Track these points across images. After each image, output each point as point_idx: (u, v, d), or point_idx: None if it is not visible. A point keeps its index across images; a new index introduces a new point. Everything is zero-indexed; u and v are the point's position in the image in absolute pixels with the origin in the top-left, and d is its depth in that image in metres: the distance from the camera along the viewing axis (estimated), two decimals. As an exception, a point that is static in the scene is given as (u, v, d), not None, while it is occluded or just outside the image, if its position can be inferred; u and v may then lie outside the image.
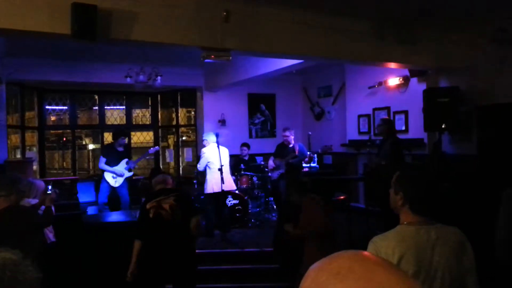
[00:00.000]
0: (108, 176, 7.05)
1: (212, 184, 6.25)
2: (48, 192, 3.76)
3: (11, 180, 3.38)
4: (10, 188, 3.33)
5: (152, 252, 3.70)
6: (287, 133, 7.19)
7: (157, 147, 8.48)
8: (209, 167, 6.35)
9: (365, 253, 0.69)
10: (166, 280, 3.82)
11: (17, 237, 3.08)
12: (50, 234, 4.31)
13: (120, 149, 7.20)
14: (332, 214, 4.01)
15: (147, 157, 7.92)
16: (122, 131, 7.50)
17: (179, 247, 3.68)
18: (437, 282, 1.72)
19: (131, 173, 7.31)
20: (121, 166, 7.11)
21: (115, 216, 6.43)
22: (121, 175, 7.09)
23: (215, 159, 6.29)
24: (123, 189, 7.15)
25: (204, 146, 6.69)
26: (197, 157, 7.68)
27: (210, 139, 6.65)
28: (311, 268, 0.69)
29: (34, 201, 4.00)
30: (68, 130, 9.52)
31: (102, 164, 7.10)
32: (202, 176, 6.74)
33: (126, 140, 7.48)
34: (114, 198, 7.16)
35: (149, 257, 3.71)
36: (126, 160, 7.19)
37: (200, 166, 6.50)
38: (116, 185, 7.07)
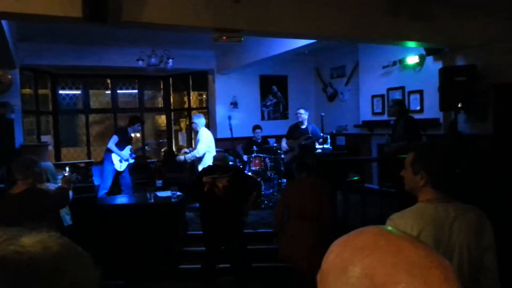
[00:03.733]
0: (115, 159, 7.02)
1: None
2: (65, 174, 3.80)
3: (27, 164, 3.43)
4: (26, 171, 3.38)
5: (205, 221, 4.42)
6: (301, 111, 7.12)
7: (151, 141, 9.01)
8: (208, 151, 6.48)
9: (390, 228, 0.68)
10: (219, 243, 4.46)
11: (36, 219, 3.14)
12: (67, 216, 4.39)
13: (129, 135, 7.23)
14: (319, 195, 3.99)
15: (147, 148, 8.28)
16: (141, 118, 7.53)
17: (228, 219, 4.29)
18: (455, 259, 1.70)
19: (133, 161, 7.34)
20: (126, 152, 7.11)
21: (129, 199, 6.52)
22: (126, 160, 7.11)
23: (212, 143, 6.51)
24: (126, 174, 7.18)
25: (195, 130, 6.78)
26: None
27: (200, 123, 6.75)
28: (334, 243, 0.68)
29: (53, 186, 4.06)
30: (82, 114, 9.61)
31: (112, 144, 7.00)
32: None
33: (141, 128, 7.52)
34: (116, 182, 7.18)
35: (203, 225, 4.47)
36: (130, 147, 7.22)
37: (200, 151, 6.55)
38: (121, 169, 7.07)
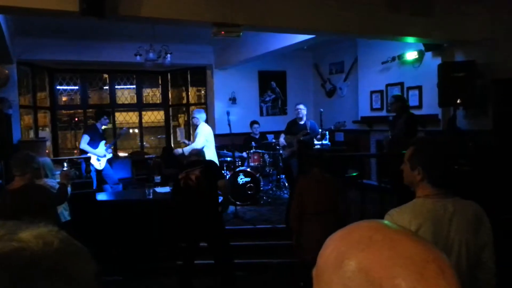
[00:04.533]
0: (92, 159, 6.82)
1: None
2: (64, 169, 3.79)
3: (25, 160, 3.42)
4: (25, 167, 3.36)
5: (183, 215, 4.30)
6: (301, 106, 7.09)
7: (125, 128, 8.69)
8: (206, 146, 6.44)
9: (386, 222, 0.67)
10: (197, 238, 4.35)
11: (34, 215, 3.13)
12: (65, 212, 4.38)
13: (100, 131, 7.06)
14: (333, 190, 3.98)
15: (118, 139, 8.30)
16: (105, 111, 7.35)
17: (205, 210, 4.23)
18: (453, 255, 1.69)
19: (111, 155, 7.19)
20: (101, 148, 6.95)
21: (128, 195, 6.51)
22: (104, 156, 6.94)
23: (211, 138, 6.41)
24: (107, 170, 7.04)
25: (196, 124, 6.68)
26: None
27: (201, 118, 6.66)
28: (330, 237, 0.66)
29: (52, 181, 4.04)
30: (80, 110, 9.58)
31: (84, 144, 6.77)
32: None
33: (109, 120, 7.36)
34: (102, 180, 7.07)
35: (181, 219, 4.33)
36: (103, 142, 7.05)
37: (199, 144, 6.47)
38: (102, 167, 6.92)
